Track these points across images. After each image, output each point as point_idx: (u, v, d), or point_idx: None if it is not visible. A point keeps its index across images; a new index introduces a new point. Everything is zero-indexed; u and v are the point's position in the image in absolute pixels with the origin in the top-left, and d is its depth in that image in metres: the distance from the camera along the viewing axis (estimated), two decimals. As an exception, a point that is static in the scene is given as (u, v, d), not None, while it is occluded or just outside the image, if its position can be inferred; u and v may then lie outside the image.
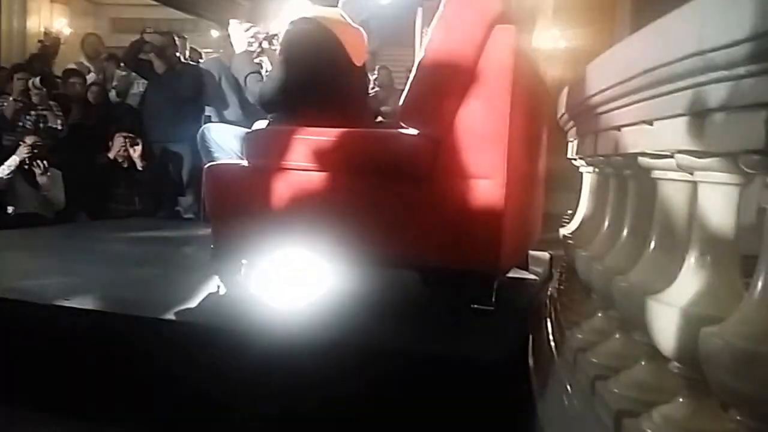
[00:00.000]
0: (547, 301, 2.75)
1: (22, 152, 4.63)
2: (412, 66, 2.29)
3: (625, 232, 1.65)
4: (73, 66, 6.58)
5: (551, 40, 8.37)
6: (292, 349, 1.85)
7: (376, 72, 6.71)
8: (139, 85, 6.08)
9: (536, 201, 3.05)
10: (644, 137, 1.34)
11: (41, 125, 5.11)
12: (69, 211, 4.94)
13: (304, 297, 2.33)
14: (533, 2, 8.18)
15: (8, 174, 4.59)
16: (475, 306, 2.24)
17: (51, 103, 5.25)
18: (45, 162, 4.68)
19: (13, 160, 4.62)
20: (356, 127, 2.55)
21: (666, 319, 1.14)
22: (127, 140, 4.98)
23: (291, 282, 2.39)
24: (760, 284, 0.98)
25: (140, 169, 5.01)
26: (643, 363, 1.32)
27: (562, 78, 7.78)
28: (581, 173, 2.92)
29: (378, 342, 1.91)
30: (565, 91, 2.30)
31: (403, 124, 2.26)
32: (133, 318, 2.03)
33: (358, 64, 2.76)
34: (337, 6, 2.71)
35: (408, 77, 2.28)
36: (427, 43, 2.24)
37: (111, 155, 5.01)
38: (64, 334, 2.01)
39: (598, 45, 8.99)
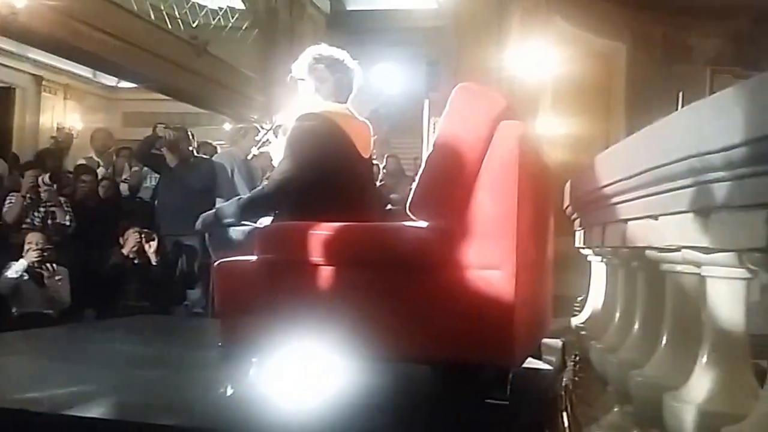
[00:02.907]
0: (563, 393, 2.69)
1: (32, 256, 4.62)
2: (420, 154, 2.33)
3: (637, 324, 1.64)
4: (83, 162, 6.75)
5: (551, 127, 8.61)
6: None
7: (385, 160, 6.82)
8: (152, 179, 6.21)
9: (546, 288, 3.03)
10: (650, 231, 1.36)
11: (49, 222, 5.15)
12: (75, 309, 4.89)
13: (314, 396, 2.29)
14: (535, 93, 8.46)
15: (16, 277, 4.60)
16: (490, 399, 2.19)
17: (60, 199, 5.31)
18: (53, 265, 4.70)
19: (21, 264, 4.61)
20: (365, 217, 2.58)
21: (683, 416, 1.12)
22: (142, 236, 4.98)
23: (301, 380, 2.35)
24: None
25: (154, 264, 4.99)
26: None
27: (562, 161, 7.92)
28: (589, 261, 2.93)
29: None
30: (569, 183, 2.34)
31: (412, 217, 2.29)
32: (138, 425, 1.98)
33: (365, 155, 2.82)
34: (346, 102, 2.78)
35: (415, 165, 2.33)
36: (435, 138, 2.29)
37: (125, 251, 4.98)
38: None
39: (594, 131, 9.25)
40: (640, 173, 1.34)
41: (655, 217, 1.35)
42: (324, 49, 2.79)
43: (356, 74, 2.80)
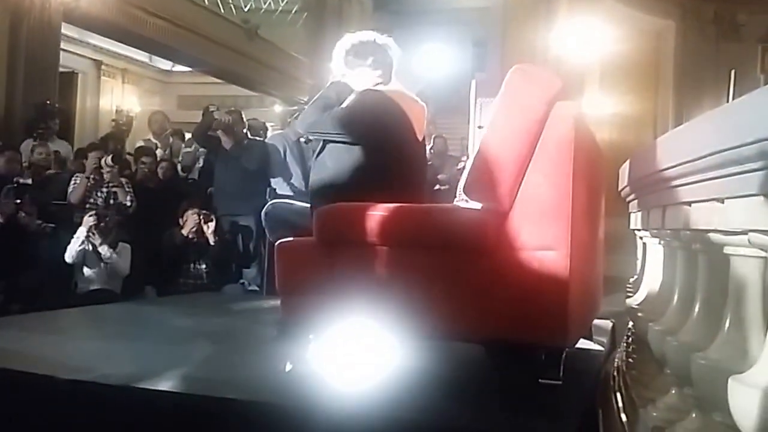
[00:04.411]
0: (615, 374, 2.69)
1: (88, 222, 4.79)
2: (466, 135, 2.33)
3: (697, 307, 1.63)
4: (142, 144, 6.94)
5: (598, 106, 8.47)
6: (359, 429, 1.86)
7: (431, 141, 6.80)
8: (201, 160, 6.37)
9: (598, 269, 3.02)
10: (715, 214, 1.35)
11: (111, 201, 5.32)
12: (136, 287, 5.06)
13: (370, 373, 2.34)
14: (582, 72, 8.30)
15: (80, 246, 4.77)
16: (543, 379, 2.21)
17: (122, 179, 5.48)
18: (117, 242, 4.87)
19: (81, 232, 4.79)
20: (417, 198, 2.61)
21: (748, 400, 1.12)
22: (201, 217, 5.11)
23: (357, 358, 2.41)
24: None
25: (212, 244, 5.12)
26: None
27: (609, 140, 7.76)
28: (644, 243, 2.90)
29: (445, 420, 1.91)
30: (627, 164, 2.32)
31: (466, 198, 2.31)
32: (202, 398, 2.06)
33: (420, 137, 2.84)
34: (390, 79, 2.79)
35: (462, 146, 2.33)
36: (490, 120, 2.30)
37: (185, 232, 5.12)
38: (136, 417, 2.06)
39: (642, 110, 9.01)
40: (707, 156, 1.32)
41: (721, 200, 1.34)
42: (347, 39, 2.79)
43: (391, 49, 2.78)
